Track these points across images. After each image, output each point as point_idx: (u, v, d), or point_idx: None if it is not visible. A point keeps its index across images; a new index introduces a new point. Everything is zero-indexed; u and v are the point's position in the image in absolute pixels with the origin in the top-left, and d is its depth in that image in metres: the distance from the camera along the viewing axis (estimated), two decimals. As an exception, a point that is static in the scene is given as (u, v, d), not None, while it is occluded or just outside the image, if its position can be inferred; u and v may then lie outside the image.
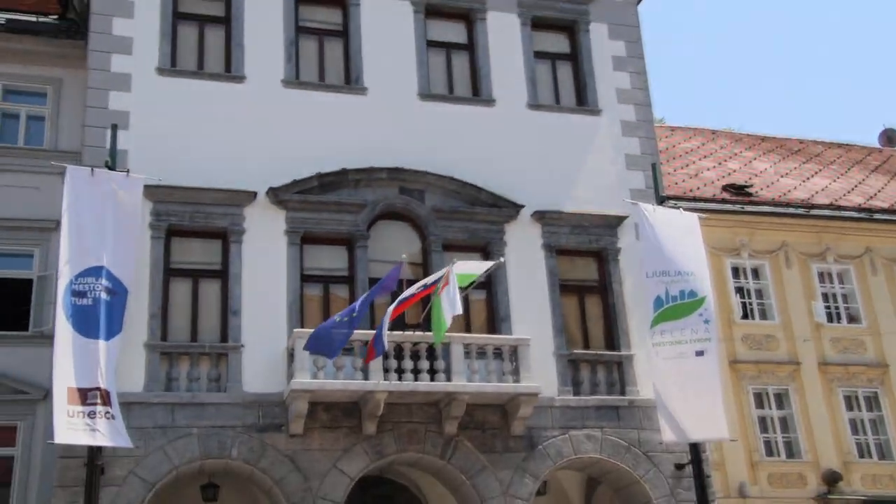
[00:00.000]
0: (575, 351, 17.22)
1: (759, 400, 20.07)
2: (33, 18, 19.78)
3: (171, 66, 17.13)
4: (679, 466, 16.54)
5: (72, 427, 13.61)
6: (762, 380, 20.20)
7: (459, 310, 14.18)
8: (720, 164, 25.34)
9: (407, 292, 14.81)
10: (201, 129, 16.75)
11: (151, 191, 15.96)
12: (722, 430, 15.87)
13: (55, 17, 20.09)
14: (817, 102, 50.19)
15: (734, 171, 24.82)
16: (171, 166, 16.18)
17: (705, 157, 25.94)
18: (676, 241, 16.79)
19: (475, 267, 14.98)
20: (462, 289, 14.96)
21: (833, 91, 49.91)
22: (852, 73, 48.58)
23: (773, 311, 20.96)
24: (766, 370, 20.28)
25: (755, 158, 26.42)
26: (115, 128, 15.69)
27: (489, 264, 15.07)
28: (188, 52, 17.53)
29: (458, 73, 18.83)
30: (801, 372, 20.40)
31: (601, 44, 19.54)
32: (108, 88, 16.61)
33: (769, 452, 19.62)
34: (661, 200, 17.49)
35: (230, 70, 17.43)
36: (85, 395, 13.87)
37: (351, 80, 17.99)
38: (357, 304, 14.51)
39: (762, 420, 19.88)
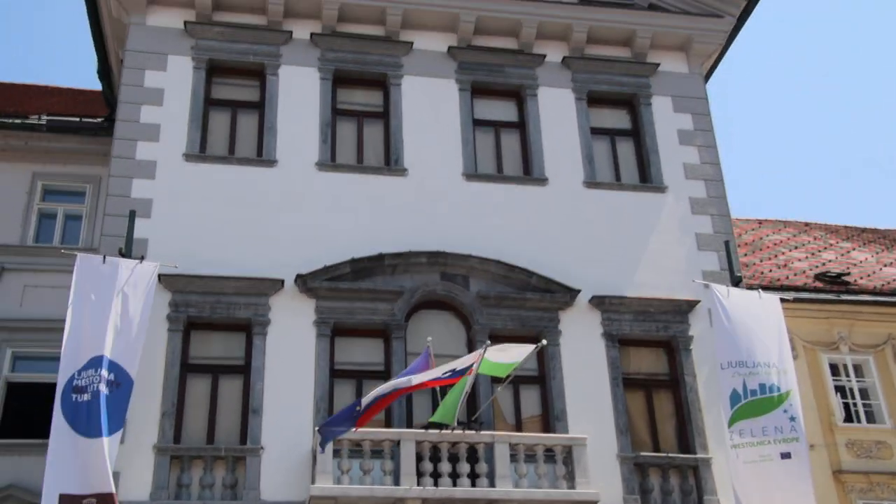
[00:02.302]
0: (642, 454, 14.99)
1: (872, 516, 17.20)
2: (75, 119, 19.45)
3: (199, 151, 16.25)
4: (769, 591, 13.87)
5: None
6: (875, 493, 17.36)
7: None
8: (813, 254, 23.00)
9: (427, 375, 12.96)
10: (227, 216, 15.68)
11: (170, 280, 14.84)
12: (817, 547, 13.30)
13: (102, 118, 19.75)
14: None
15: (829, 261, 22.45)
16: (193, 255, 15.09)
17: (796, 248, 23.66)
18: (755, 328, 14.65)
19: (514, 354, 13.09)
20: (501, 380, 13.10)
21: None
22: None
23: (881, 413, 18.26)
24: (880, 482, 17.45)
25: (853, 249, 23.99)
26: (132, 214, 14.71)
27: (530, 348, 13.20)
28: (218, 137, 16.70)
29: (507, 152, 17.47)
30: (920, 483, 17.49)
31: (665, 118, 17.98)
32: (132, 176, 15.77)
33: (888, 579, 16.64)
34: (737, 282, 15.45)
35: (261, 154, 16.46)
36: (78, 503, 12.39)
37: (390, 162, 16.79)
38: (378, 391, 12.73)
39: (877, 540, 16.96)
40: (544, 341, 13.74)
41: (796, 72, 51.25)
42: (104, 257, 14.08)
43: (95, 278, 13.83)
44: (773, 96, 51.22)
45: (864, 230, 26.37)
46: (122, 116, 16.36)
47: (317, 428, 13.27)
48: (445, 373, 12.83)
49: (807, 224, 26.83)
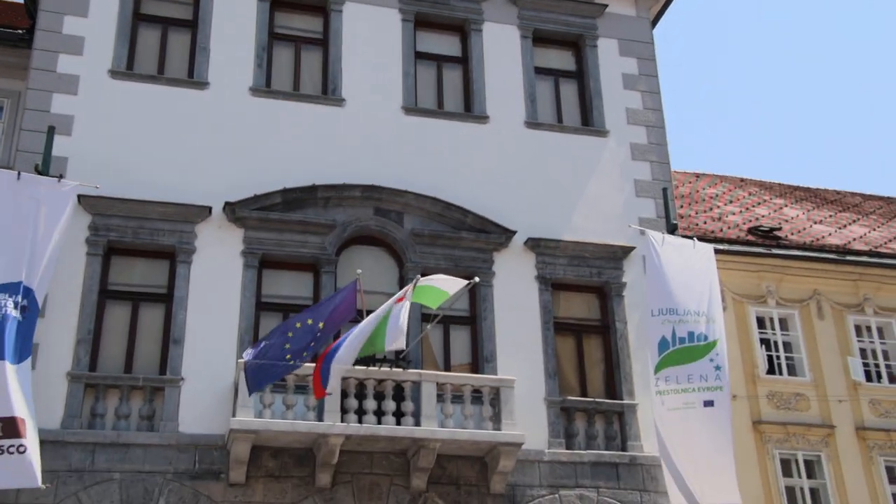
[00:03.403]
0: (569, 398, 14.93)
1: (787, 467, 17.42)
2: (-6, 28, 18.31)
3: (125, 68, 15.44)
4: (688, 537, 14.02)
5: None
6: (791, 444, 17.57)
7: (401, 341, 12.02)
8: (747, 209, 23.11)
9: (363, 323, 12.58)
10: (154, 138, 14.99)
11: (90, 202, 14.17)
12: (733, 495, 13.48)
13: (23, 29, 18.65)
14: (857, 155, 47.82)
15: (763, 216, 22.59)
16: (116, 177, 14.43)
17: (731, 202, 23.75)
18: (687, 277, 14.64)
19: (446, 284, 12.78)
20: (430, 319, 12.82)
21: (876, 143, 47.59)
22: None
23: (803, 366, 18.44)
24: (796, 433, 17.65)
25: (786, 206, 24.18)
26: (51, 130, 13.98)
27: (462, 283, 12.92)
28: (147, 55, 15.89)
29: (448, 87, 17.01)
30: (835, 437, 17.77)
31: (610, 61, 17.67)
32: (52, 90, 14.93)
33: (798, 528, 16.98)
34: (672, 230, 15.37)
35: (192, 76, 15.72)
36: (-19, 425, 11.82)
37: (328, 91, 16.20)
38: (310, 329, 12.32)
39: (790, 491, 17.17)
40: (476, 279, 13.50)
41: (744, 22, 51.36)
42: (19, 173, 13.37)
43: (9, 195, 13.13)
44: (718, 46, 51.32)
45: (797, 188, 26.59)
46: (43, 26, 15.47)
47: (241, 360, 12.83)
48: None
49: (742, 180, 26.95)
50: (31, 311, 12.59)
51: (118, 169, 14.53)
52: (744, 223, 21.40)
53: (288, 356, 12.11)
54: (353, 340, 12.18)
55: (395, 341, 12.02)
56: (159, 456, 13.15)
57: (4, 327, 12.35)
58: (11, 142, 17.12)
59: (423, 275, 14.10)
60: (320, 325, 12.38)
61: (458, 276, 14.18)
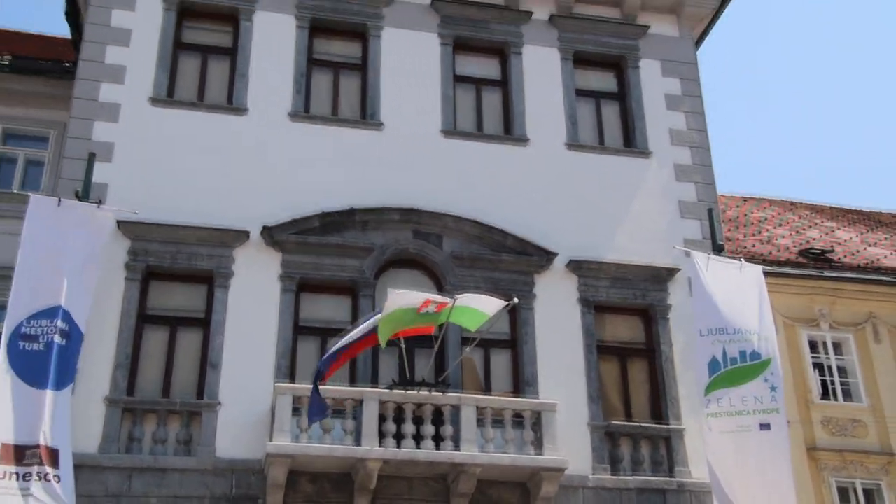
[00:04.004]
0: (614, 422, 14.53)
1: (845, 496, 16.77)
2: (41, 61, 18.66)
3: (166, 96, 15.56)
4: (740, 566, 13.46)
5: (0, 491, 11.53)
6: (848, 472, 16.93)
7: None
8: (798, 232, 22.56)
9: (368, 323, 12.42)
10: (193, 164, 15.04)
11: (129, 227, 14.24)
12: (793, 524, 12.88)
13: (69, 62, 18.99)
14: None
15: (814, 238, 22.01)
16: (155, 202, 14.49)
17: (780, 225, 23.21)
18: (736, 296, 14.22)
19: (486, 305, 12.51)
20: (469, 342, 12.60)
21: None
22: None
23: (859, 391, 17.82)
24: (853, 461, 17.02)
25: (838, 228, 23.56)
26: (92, 157, 14.11)
27: (501, 303, 12.64)
28: (187, 83, 16.01)
29: (487, 110, 16.87)
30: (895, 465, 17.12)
31: (653, 81, 17.41)
32: (94, 118, 15.09)
33: (858, 559, 16.27)
34: (719, 251, 14.97)
35: (232, 102, 15.79)
36: (21, 454, 11.87)
37: (366, 115, 16.16)
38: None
39: (849, 520, 16.57)
40: (516, 299, 13.22)
41: (790, 42, 50.66)
42: (59, 200, 13.50)
43: (49, 221, 13.25)
44: (765, 66, 50.62)
45: (849, 211, 25.95)
46: (86, 56, 15.66)
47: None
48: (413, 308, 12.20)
49: (792, 203, 26.36)
50: (73, 337, 12.63)
51: (157, 194, 14.58)
52: (794, 246, 20.87)
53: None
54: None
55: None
56: (196, 481, 13.02)
57: (49, 355, 12.40)
58: (57, 172, 17.35)
59: (462, 298, 13.90)
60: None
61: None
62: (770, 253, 19.66)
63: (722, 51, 46.03)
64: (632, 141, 16.89)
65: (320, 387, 12.33)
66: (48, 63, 18.57)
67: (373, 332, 12.74)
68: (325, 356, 12.69)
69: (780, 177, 46.35)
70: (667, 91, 17.33)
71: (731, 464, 13.06)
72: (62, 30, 21.90)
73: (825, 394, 17.71)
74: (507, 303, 12.66)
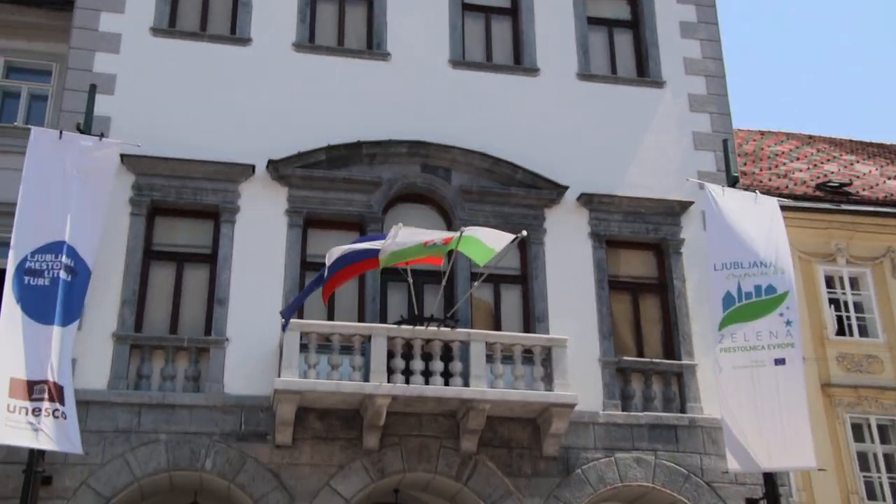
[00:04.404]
0: (625, 358, 14.36)
1: (859, 432, 16.64)
2: (40, -11, 18.22)
3: (167, 26, 15.18)
4: (752, 502, 13.41)
5: (11, 425, 11.52)
6: (862, 408, 16.75)
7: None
8: (815, 165, 22.09)
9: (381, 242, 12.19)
10: (197, 96, 14.73)
11: (133, 162, 13.98)
12: (807, 458, 12.74)
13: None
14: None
15: (832, 172, 21.56)
16: (159, 136, 14.21)
17: (798, 159, 22.72)
18: (751, 229, 13.88)
19: (493, 239, 12.24)
20: (478, 277, 12.38)
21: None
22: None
23: (875, 327, 17.56)
24: (868, 396, 16.82)
25: (857, 162, 23.06)
26: (93, 88, 13.79)
27: (510, 237, 12.39)
28: (188, 12, 15.62)
29: (497, 40, 16.42)
30: (911, 400, 16.93)
31: (667, 8, 16.88)
32: (94, 49, 14.75)
33: (871, 496, 16.12)
34: (733, 183, 14.60)
35: (235, 32, 15.41)
36: (31, 389, 11.80)
37: (372, 46, 15.75)
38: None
39: (862, 456, 16.39)
40: (524, 232, 12.94)
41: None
42: (60, 132, 13.24)
43: (51, 155, 13.00)
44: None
45: (869, 144, 25.39)
46: (85, -15, 15.22)
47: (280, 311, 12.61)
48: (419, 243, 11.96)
49: (810, 137, 25.80)
50: (80, 273, 12.46)
51: (161, 128, 14.30)
52: (811, 180, 20.46)
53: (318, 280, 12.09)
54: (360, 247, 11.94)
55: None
56: (205, 417, 12.96)
57: (55, 291, 12.26)
58: (61, 106, 17.06)
59: (471, 232, 13.61)
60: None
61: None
62: (786, 187, 19.28)
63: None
64: (645, 70, 16.45)
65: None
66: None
67: (376, 255, 12.45)
68: (329, 265, 12.32)
69: (799, 111, 45.61)
70: (682, 19, 16.81)
71: (745, 399, 12.87)
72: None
73: (840, 330, 17.49)
74: (515, 237, 12.38)
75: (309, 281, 13.02)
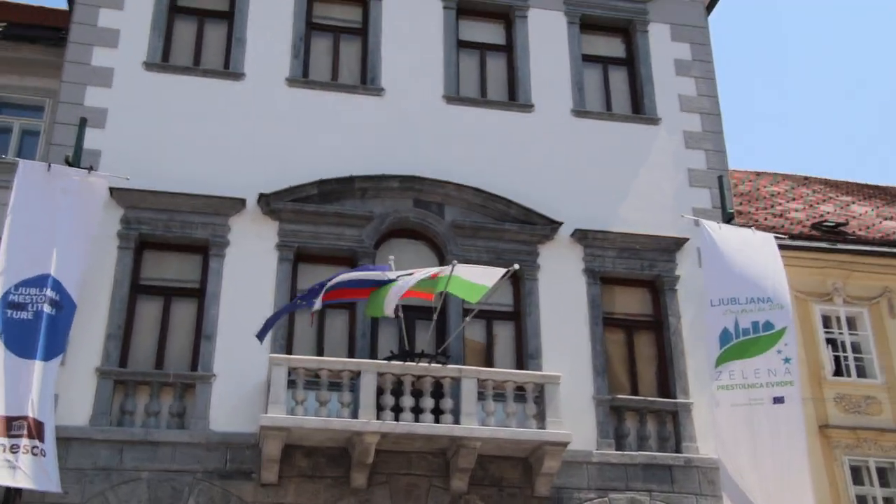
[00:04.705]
0: (619, 396, 14.10)
1: (857, 475, 16.32)
2: (35, 27, 18.23)
3: (160, 60, 15.14)
4: (749, 545, 13.06)
5: None
6: (861, 450, 16.44)
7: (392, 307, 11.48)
8: (811, 206, 22.00)
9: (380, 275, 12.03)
10: (188, 131, 14.63)
11: (122, 195, 13.85)
12: (806, 500, 12.44)
13: (65, 29, 18.56)
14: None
15: (828, 212, 21.46)
16: (149, 169, 14.09)
17: (794, 199, 22.64)
18: (748, 264, 13.74)
19: (485, 276, 12.07)
20: (468, 311, 12.21)
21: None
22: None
23: (873, 367, 17.32)
24: (867, 438, 16.52)
25: (853, 203, 22.99)
26: (83, 121, 13.72)
27: (501, 272, 12.21)
28: (182, 47, 15.58)
29: (492, 76, 16.38)
30: (910, 443, 16.64)
31: (662, 46, 16.87)
32: (86, 83, 14.68)
33: (871, 540, 15.81)
34: (729, 219, 14.47)
35: (228, 67, 15.35)
36: (9, 425, 11.57)
37: (366, 81, 15.70)
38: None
39: (861, 500, 16.03)
40: (516, 265, 12.76)
41: (804, 12, 49.56)
42: (49, 165, 13.13)
43: (39, 187, 12.90)
44: (780, 36, 49.53)
45: (865, 186, 25.36)
46: (78, 19, 15.25)
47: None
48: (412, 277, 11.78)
49: (806, 178, 25.79)
50: (65, 307, 12.29)
51: (151, 161, 14.19)
52: (808, 220, 20.35)
53: (301, 301, 11.85)
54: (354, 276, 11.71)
55: (390, 305, 11.47)
56: (189, 455, 12.67)
57: (38, 325, 12.07)
58: (53, 141, 16.97)
59: (464, 269, 13.43)
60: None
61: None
62: (783, 226, 19.14)
63: (733, 23, 45.16)
64: (640, 107, 16.40)
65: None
66: (43, 30, 18.13)
67: (371, 286, 12.30)
68: (324, 282, 12.19)
69: (794, 153, 45.63)
70: (676, 56, 16.81)
71: (742, 439, 12.62)
72: (59, 1, 21.41)
73: (838, 370, 17.25)
74: (507, 270, 12.20)
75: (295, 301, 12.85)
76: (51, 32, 17.91)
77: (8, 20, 18.42)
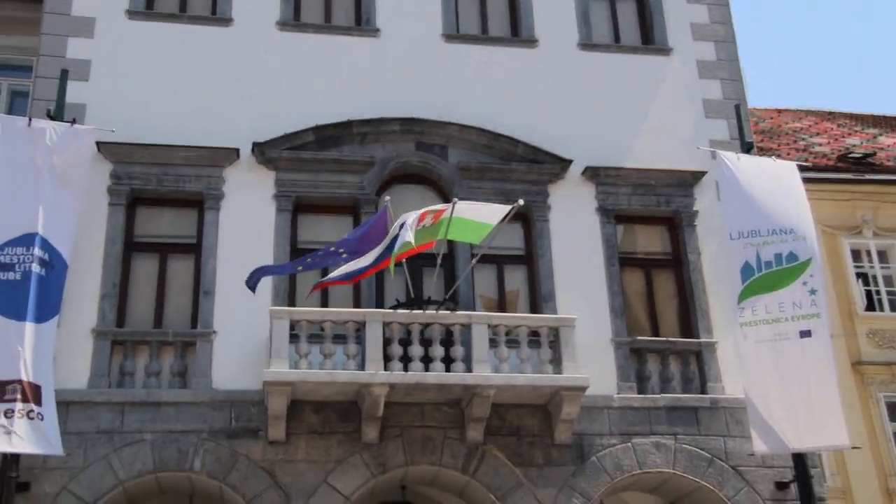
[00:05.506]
0: (639, 338, 13.44)
1: (894, 411, 15.68)
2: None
3: (144, 8, 14.49)
4: (781, 485, 12.46)
5: None
6: (896, 386, 15.83)
7: (410, 237, 10.74)
8: (836, 139, 21.16)
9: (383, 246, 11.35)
10: (176, 80, 14.01)
11: (110, 149, 13.27)
12: (840, 437, 11.79)
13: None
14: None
15: (854, 145, 20.60)
16: (137, 122, 13.49)
17: (818, 135, 21.79)
18: (769, 194, 12.98)
19: (488, 214, 11.40)
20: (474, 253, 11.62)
21: None
22: None
23: (907, 301, 16.64)
24: (903, 374, 15.90)
25: (881, 134, 22.10)
26: (65, 74, 13.06)
27: (505, 209, 11.54)
28: (167, -6, 14.88)
29: (492, 11, 15.61)
30: (948, 378, 15.94)
31: (672, -27, 15.96)
32: (66, 35, 14.03)
33: (909, 478, 15.17)
34: (748, 149, 13.69)
35: (215, 12, 14.68)
36: (3, 390, 11.01)
37: (361, 22, 14.98)
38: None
39: (899, 436, 15.47)
40: (521, 201, 12.07)
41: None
42: (30, 119, 12.49)
43: (20, 143, 12.25)
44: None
45: (892, 118, 24.42)
46: (57, -31, 14.54)
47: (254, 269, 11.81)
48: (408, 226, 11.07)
49: (830, 112, 24.87)
50: (56, 266, 11.71)
51: (139, 114, 13.58)
52: (833, 153, 19.54)
53: (299, 267, 11.19)
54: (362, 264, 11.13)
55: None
56: (193, 414, 12.16)
57: (27, 285, 11.52)
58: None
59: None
60: (341, 250, 11.28)
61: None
62: (807, 159, 18.35)
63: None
64: (650, 38, 15.59)
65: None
66: (28, -12, 17.55)
67: (386, 257, 11.62)
68: (336, 276, 11.60)
69: (817, 89, 44.28)
70: (687, -18, 15.91)
71: (769, 376, 11.94)
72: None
73: (870, 305, 16.58)
74: (511, 206, 11.53)
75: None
76: (36, -10, 17.37)
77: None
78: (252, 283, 11.56)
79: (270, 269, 11.87)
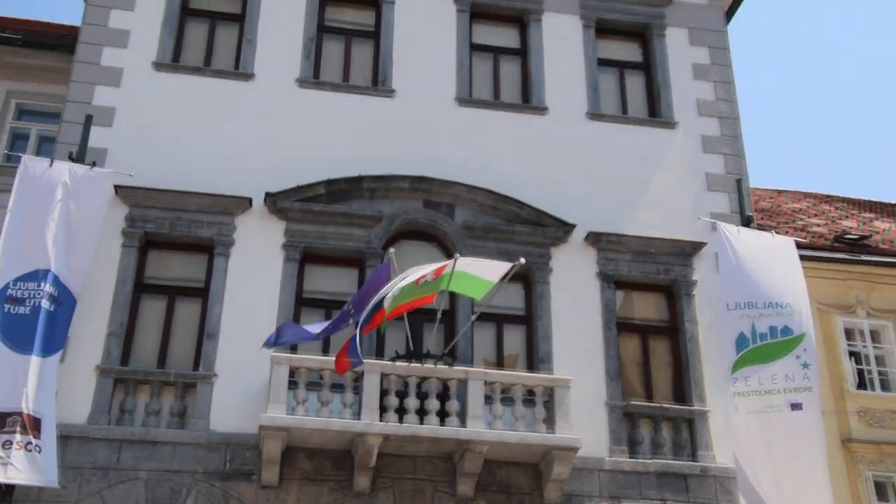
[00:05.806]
0: (633, 402, 13.64)
1: (882, 491, 15.71)
2: (52, 34, 18.22)
3: (170, 60, 15.02)
4: (768, 557, 12.53)
5: None
6: (885, 465, 15.83)
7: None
8: (833, 221, 21.53)
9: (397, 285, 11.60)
10: (196, 130, 14.48)
11: (127, 193, 13.68)
12: (826, 508, 11.90)
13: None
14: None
15: (851, 227, 20.97)
16: (155, 168, 13.94)
17: (816, 216, 22.19)
18: (766, 268, 13.33)
19: (490, 271, 11.71)
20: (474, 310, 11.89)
21: None
22: None
23: (898, 381, 16.79)
24: (891, 453, 15.91)
25: (876, 219, 22.50)
26: (89, 119, 13.62)
27: (506, 266, 11.86)
28: (193, 48, 15.46)
29: (505, 78, 16.13)
30: (937, 459, 16.02)
31: (679, 51, 16.55)
32: (94, 83, 14.56)
33: (897, 559, 15.17)
34: (748, 222, 14.07)
35: (238, 67, 15.20)
36: (3, 421, 11.28)
37: (377, 82, 15.49)
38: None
39: (887, 517, 15.49)
40: (522, 259, 12.41)
41: (827, 22, 48.89)
42: (52, 161, 12.96)
43: (40, 182, 12.76)
44: (799, 44, 48.80)
45: (887, 204, 24.88)
46: (89, 20, 15.15)
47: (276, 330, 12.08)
48: (411, 283, 11.37)
49: (828, 196, 25.36)
50: (64, 302, 12.07)
51: (158, 160, 14.03)
52: (830, 233, 19.89)
53: (318, 331, 11.41)
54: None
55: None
56: (188, 455, 12.35)
57: (35, 320, 11.85)
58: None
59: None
60: (350, 308, 11.57)
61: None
62: (805, 239, 18.70)
63: (753, 32, 44.58)
64: (657, 111, 16.08)
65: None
66: (59, 38, 18.14)
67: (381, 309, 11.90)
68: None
69: (816, 173, 44.90)
70: (694, 61, 16.47)
71: (760, 446, 12.15)
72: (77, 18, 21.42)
73: (861, 383, 16.72)
74: (513, 265, 11.85)
75: (310, 324, 12.50)
76: (68, 40, 17.95)
77: (26, 30, 18.47)
78: (270, 343, 11.75)
79: (290, 335, 11.97)
